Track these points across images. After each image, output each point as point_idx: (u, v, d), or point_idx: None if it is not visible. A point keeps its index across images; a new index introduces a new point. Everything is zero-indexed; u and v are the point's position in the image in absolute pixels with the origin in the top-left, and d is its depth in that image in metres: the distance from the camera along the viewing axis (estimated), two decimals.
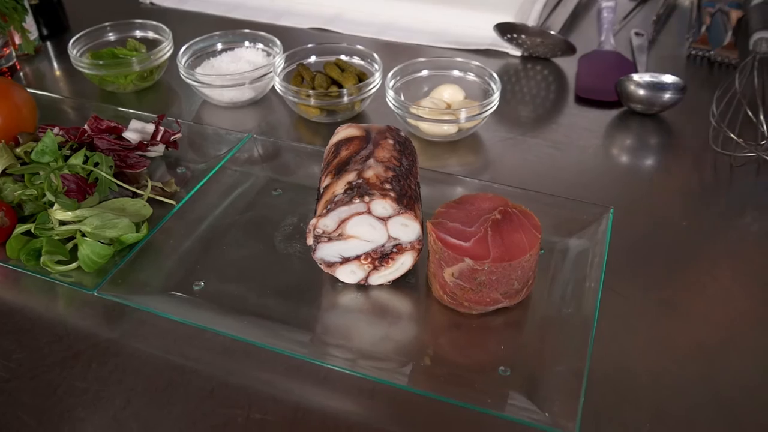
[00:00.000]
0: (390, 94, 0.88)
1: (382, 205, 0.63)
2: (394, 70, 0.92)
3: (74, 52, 0.99)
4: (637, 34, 1.11)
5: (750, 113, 0.81)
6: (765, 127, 0.79)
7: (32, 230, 0.72)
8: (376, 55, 0.95)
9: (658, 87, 0.91)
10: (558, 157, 0.88)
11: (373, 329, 0.66)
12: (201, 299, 0.68)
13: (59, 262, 0.71)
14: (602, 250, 0.69)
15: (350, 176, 0.65)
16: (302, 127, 0.95)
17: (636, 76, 0.92)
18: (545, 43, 1.04)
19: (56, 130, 0.85)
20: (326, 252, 0.67)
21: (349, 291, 0.69)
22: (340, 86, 0.93)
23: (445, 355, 0.63)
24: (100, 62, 0.97)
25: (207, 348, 0.64)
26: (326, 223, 0.65)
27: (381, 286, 0.69)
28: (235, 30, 1.04)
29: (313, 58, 0.98)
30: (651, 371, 0.61)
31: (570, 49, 1.03)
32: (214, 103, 0.98)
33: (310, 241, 0.66)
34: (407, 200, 0.65)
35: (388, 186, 0.64)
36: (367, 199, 0.63)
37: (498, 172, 0.86)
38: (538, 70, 1.07)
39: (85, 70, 0.98)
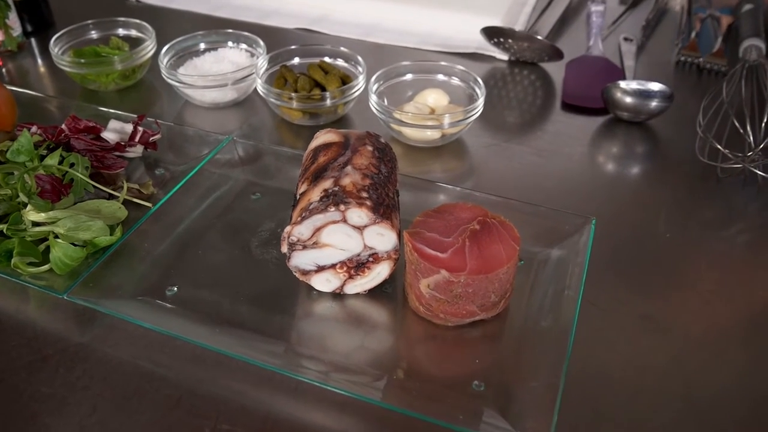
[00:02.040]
0: (373, 99, 0.87)
1: (358, 214, 0.62)
2: (378, 73, 0.91)
3: (56, 50, 0.98)
4: (626, 39, 1.10)
5: (737, 124, 0.80)
6: (752, 138, 0.78)
7: (4, 231, 0.71)
8: (360, 58, 0.93)
9: (645, 95, 0.90)
10: (542, 165, 0.87)
11: (347, 339, 0.65)
12: (173, 305, 0.67)
13: (31, 264, 0.69)
14: (582, 262, 0.68)
15: (327, 183, 0.64)
16: (284, 129, 0.94)
17: (623, 83, 0.91)
18: (532, 47, 1.03)
19: (34, 128, 0.83)
20: (301, 260, 0.66)
21: (324, 300, 0.68)
22: (323, 89, 0.92)
23: (419, 369, 0.62)
24: (82, 61, 0.96)
25: (177, 355, 0.63)
26: (301, 231, 0.64)
27: (357, 295, 0.68)
28: (218, 30, 1.03)
29: (296, 60, 0.97)
30: (629, 386, 0.61)
31: (557, 55, 1.02)
32: (196, 104, 0.97)
33: (284, 248, 0.65)
34: (384, 209, 0.64)
35: (364, 194, 0.63)
36: (342, 207, 0.62)
37: (481, 180, 0.85)
38: (524, 75, 1.06)
39: (67, 69, 0.97)
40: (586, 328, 0.63)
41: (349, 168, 0.66)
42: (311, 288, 0.68)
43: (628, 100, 0.90)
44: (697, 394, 0.60)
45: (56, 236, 0.70)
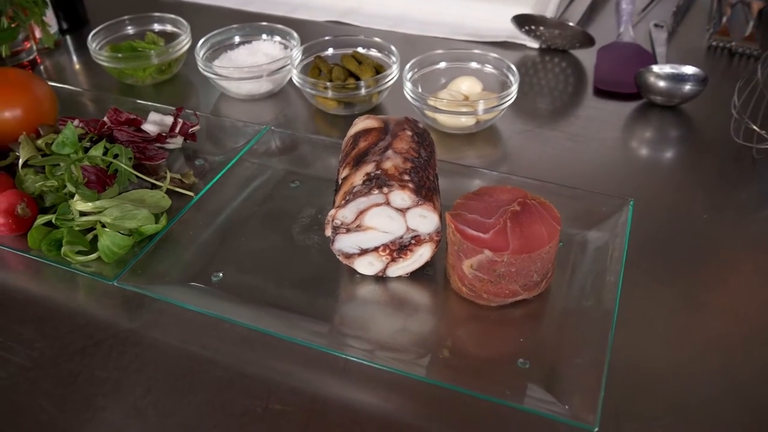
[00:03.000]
0: (407, 86, 0.88)
1: (401, 196, 0.63)
2: (411, 62, 0.92)
3: (94, 45, 1.00)
4: (656, 25, 1.10)
5: None
6: None
7: (53, 221, 0.72)
8: (393, 48, 0.94)
9: (678, 78, 0.90)
10: (576, 150, 0.88)
11: (391, 320, 0.66)
12: (220, 290, 0.69)
13: (79, 253, 0.71)
14: (622, 243, 0.68)
15: (369, 167, 0.65)
16: (319, 119, 0.95)
17: (656, 68, 0.91)
18: (563, 34, 1.03)
19: (76, 122, 0.85)
20: (345, 243, 0.67)
21: (367, 283, 0.69)
22: (358, 78, 0.93)
23: (463, 347, 0.63)
24: (119, 55, 0.98)
25: (226, 338, 0.64)
26: (345, 214, 0.65)
27: (399, 277, 0.69)
28: (252, 23, 1.04)
29: (330, 51, 0.98)
30: (670, 364, 0.61)
31: (588, 41, 1.02)
32: (232, 96, 0.99)
33: (328, 232, 0.66)
34: (426, 191, 0.65)
35: (406, 177, 0.64)
36: (385, 190, 0.63)
37: (516, 165, 0.86)
38: (556, 62, 1.06)
39: (105, 63, 0.99)
40: (625, 307, 0.63)
41: (390, 152, 0.67)
42: (354, 272, 0.69)
43: (662, 84, 0.90)
44: (739, 371, 0.60)
45: (103, 225, 0.72)
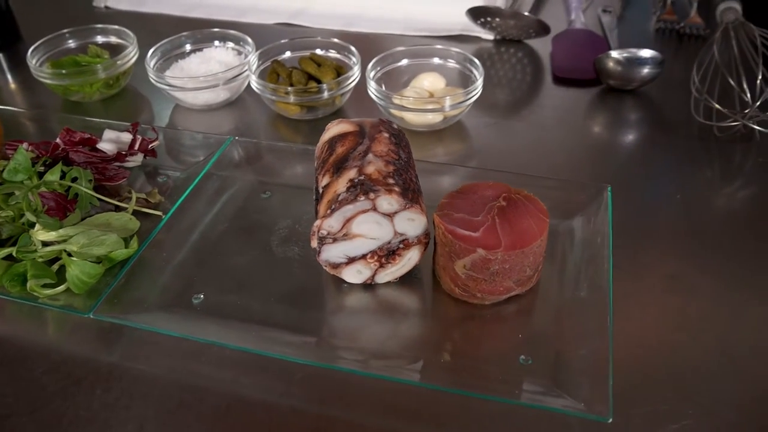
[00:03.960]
0: (372, 85, 0.86)
1: (388, 201, 0.61)
2: (373, 60, 0.90)
3: (33, 62, 0.94)
4: (604, 11, 1.12)
5: (733, 83, 0.81)
6: (749, 95, 0.80)
7: (14, 254, 0.68)
8: (353, 48, 0.92)
9: (636, 62, 0.91)
10: (544, 139, 0.88)
11: (385, 329, 0.64)
12: (202, 313, 0.66)
13: (46, 286, 0.67)
14: (606, 229, 0.68)
15: (351, 173, 0.63)
16: (281, 125, 0.92)
17: (615, 53, 0.92)
18: (518, 25, 1.03)
19: (25, 145, 0.80)
20: (331, 253, 0.65)
21: (355, 291, 0.67)
22: (318, 81, 0.90)
23: (464, 349, 0.62)
24: (63, 71, 0.92)
25: (216, 363, 0.61)
26: (331, 223, 0.62)
27: (388, 283, 0.67)
28: (203, 29, 1.00)
29: (288, 54, 0.95)
30: (666, 346, 0.61)
31: (543, 30, 1.02)
32: (187, 107, 0.95)
33: (314, 243, 0.64)
34: (411, 194, 0.63)
35: (391, 180, 0.62)
36: (372, 195, 0.61)
37: (487, 159, 0.85)
38: (511, 52, 1.06)
39: (48, 81, 0.93)
40: (617, 293, 0.63)
41: (370, 156, 0.65)
42: (340, 281, 0.67)
43: (621, 69, 0.92)
44: (733, 347, 0.61)
45: (69, 254, 0.68)
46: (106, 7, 1.22)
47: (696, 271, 0.68)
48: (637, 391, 0.58)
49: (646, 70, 0.91)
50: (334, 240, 0.64)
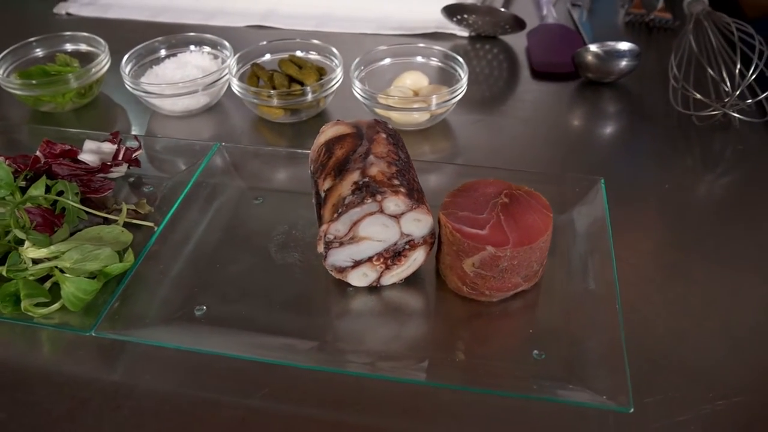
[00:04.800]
0: (357, 85, 0.86)
1: (395, 203, 0.61)
2: (356, 60, 0.89)
3: (0, 72, 0.90)
4: (574, 5, 1.13)
5: (712, 73, 0.83)
6: (729, 84, 0.82)
7: (4, 273, 0.65)
8: (334, 49, 0.91)
9: (615, 55, 0.92)
10: (529, 134, 0.89)
11: (394, 330, 0.64)
12: (206, 324, 0.64)
13: (39, 305, 0.64)
14: (604, 221, 0.69)
15: (354, 176, 0.63)
16: (264, 129, 0.91)
17: (593, 47, 0.93)
18: (494, 21, 1.04)
19: (0, 159, 0.77)
20: (338, 257, 0.64)
21: (361, 294, 0.67)
22: (300, 84, 0.89)
23: (476, 347, 0.62)
24: (33, 82, 0.89)
25: (224, 374, 0.60)
26: (337, 227, 0.62)
27: (392, 285, 0.67)
28: (177, 34, 0.97)
29: (267, 57, 0.93)
30: (673, 333, 0.63)
31: (519, 25, 1.03)
32: (165, 114, 0.92)
33: (321, 248, 0.63)
34: (416, 194, 0.63)
35: (396, 181, 0.62)
36: (379, 197, 0.60)
37: (475, 156, 0.86)
38: (487, 49, 1.07)
39: (18, 92, 0.89)
40: (621, 283, 0.64)
41: (371, 158, 0.64)
42: (345, 285, 0.67)
43: (599, 62, 0.93)
44: (736, 328, 0.63)
45: (61, 271, 0.65)
46: (68, 14, 1.18)
47: (692, 258, 0.70)
48: (648, 379, 0.59)
49: (624, 63, 0.92)
50: (341, 244, 0.63)
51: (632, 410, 0.53)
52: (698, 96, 0.84)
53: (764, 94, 0.81)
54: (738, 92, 0.81)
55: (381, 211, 0.61)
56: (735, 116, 0.84)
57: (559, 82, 0.98)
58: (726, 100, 0.82)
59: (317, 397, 0.58)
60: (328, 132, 0.71)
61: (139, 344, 0.62)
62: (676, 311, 0.65)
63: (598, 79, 0.95)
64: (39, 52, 0.97)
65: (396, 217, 0.62)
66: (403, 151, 0.69)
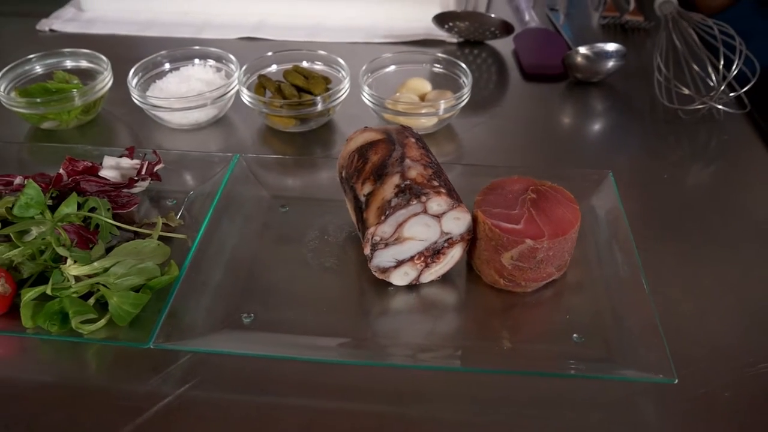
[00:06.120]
0: (366, 91, 0.88)
1: (438, 203, 0.64)
2: (363, 67, 0.92)
3: (2, 90, 0.89)
4: (552, 9, 1.19)
5: (697, 68, 0.90)
6: (714, 78, 0.88)
7: (49, 292, 0.64)
8: (340, 59, 0.94)
9: (603, 56, 0.98)
10: (529, 133, 0.93)
11: (439, 324, 0.67)
12: (258, 331, 0.65)
13: (85, 321, 0.64)
14: (618, 211, 0.74)
15: (395, 179, 0.65)
16: (273, 139, 0.92)
17: (582, 49, 0.98)
18: (483, 27, 1.08)
19: (19, 179, 0.76)
20: (382, 258, 0.67)
21: (401, 293, 0.69)
22: (308, 93, 0.91)
23: (519, 335, 0.65)
24: (38, 100, 0.88)
25: (284, 380, 0.61)
26: (384, 229, 0.64)
27: (430, 282, 0.70)
28: (181, 48, 0.98)
29: (273, 68, 0.95)
30: (695, 313, 0.67)
31: (506, 30, 1.08)
32: (172, 127, 0.93)
33: (367, 250, 0.66)
34: (454, 194, 0.66)
35: (435, 183, 0.65)
36: (423, 198, 0.63)
37: (481, 156, 0.89)
38: (476, 53, 1.11)
39: (22, 110, 0.88)
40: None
41: (408, 161, 0.67)
42: (384, 285, 0.69)
43: (589, 62, 0.99)
44: (751, 305, 0.68)
45: (105, 287, 0.65)
46: (51, 30, 1.16)
47: (702, 244, 0.75)
48: (681, 354, 0.63)
49: (611, 63, 0.98)
50: (386, 245, 0.66)
51: (676, 381, 0.58)
52: (687, 91, 0.90)
53: (745, 88, 0.88)
54: (723, 86, 0.87)
55: (425, 211, 0.64)
56: (720, 108, 0.90)
57: (549, 83, 1.03)
58: (711, 94, 0.88)
59: (377, 392, 0.60)
60: (357, 139, 0.73)
61: (189, 355, 0.63)
62: (693, 291, 0.70)
63: (586, 79, 1.01)
64: (39, 69, 0.95)
65: (438, 217, 0.65)
66: (432, 154, 0.72)
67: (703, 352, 0.64)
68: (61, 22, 1.18)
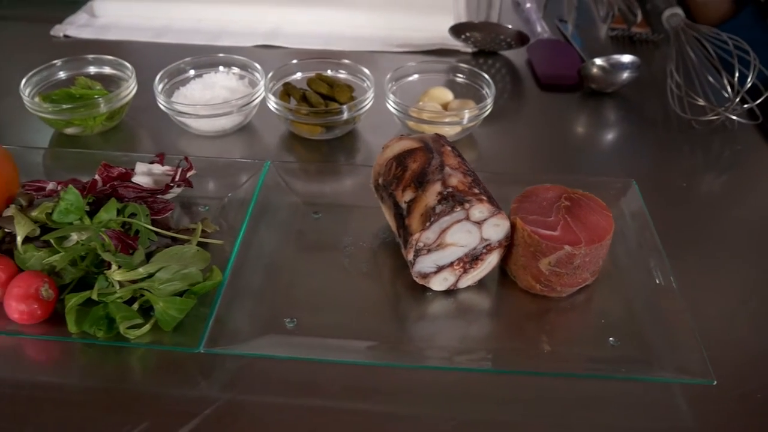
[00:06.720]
0: (391, 98, 0.90)
1: (479, 210, 0.66)
2: (388, 75, 0.93)
3: (27, 95, 0.89)
4: (561, 21, 1.22)
5: (711, 80, 0.93)
6: (730, 89, 0.91)
7: (94, 297, 0.65)
8: (364, 68, 0.95)
9: (618, 67, 1.01)
10: (548, 141, 0.96)
11: (481, 328, 0.69)
12: (302, 335, 0.66)
13: (131, 327, 0.65)
14: (645, 218, 0.77)
15: (436, 187, 0.67)
16: (298, 146, 0.93)
17: (598, 60, 1.01)
18: (498, 37, 1.10)
19: (52, 185, 0.76)
20: (424, 264, 0.68)
21: (439, 298, 0.71)
22: (333, 101, 0.92)
23: (557, 338, 0.67)
24: (64, 106, 0.88)
25: (331, 384, 0.62)
26: (428, 236, 0.66)
27: (467, 287, 0.71)
28: (205, 55, 0.99)
29: (298, 75, 0.96)
30: (724, 315, 0.70)
31: (521, 41, 1.10)
32: (198, 134, 0.93)
33: (410, 256, 0.67)
34: (494, 201, 0.68)
35: (476, 190, 0.67)
36: (467, 206, 0.65)
37: (504, 164, 0.92)
38: (490, 63, 1.13)
39: (48, 116, 0.88)
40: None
41: (448, 169, 0.69)
42: (422, 291, 0.70)
43: (604, 74, 1.01)
44: None
45: (149, 291, 0.66)
46: (65, 36, 1.16)
47: (724, 250, 0.78)
48: (715, 355, 0.65)
49: (626, 74, 1.01)
50: (428, 251, 0.67)
51: (715, 382, 0.60)
52: (701, 102, 0.93)
53: (759, 100, 0.91)
54: (738, 98, 0.90)
55: (467, 218, 0.66)
56: (735, 119, 0.93)
57: (565, 93, 1.05)
58: (726, 105, 0.91)
59: (427, 397, 0.62)
60: (394, 147, 0.74)
61: (234, 360, 0.63)
62: (720, 295, 0.72)
63: (601, 89, 1.03)
64: (61, 75, 0.95)
65: (479, 224, 0.67)
66: (467, 162, 0.74)
67: (734, 355, 0.66)
68: (75, 27, 1.17)
